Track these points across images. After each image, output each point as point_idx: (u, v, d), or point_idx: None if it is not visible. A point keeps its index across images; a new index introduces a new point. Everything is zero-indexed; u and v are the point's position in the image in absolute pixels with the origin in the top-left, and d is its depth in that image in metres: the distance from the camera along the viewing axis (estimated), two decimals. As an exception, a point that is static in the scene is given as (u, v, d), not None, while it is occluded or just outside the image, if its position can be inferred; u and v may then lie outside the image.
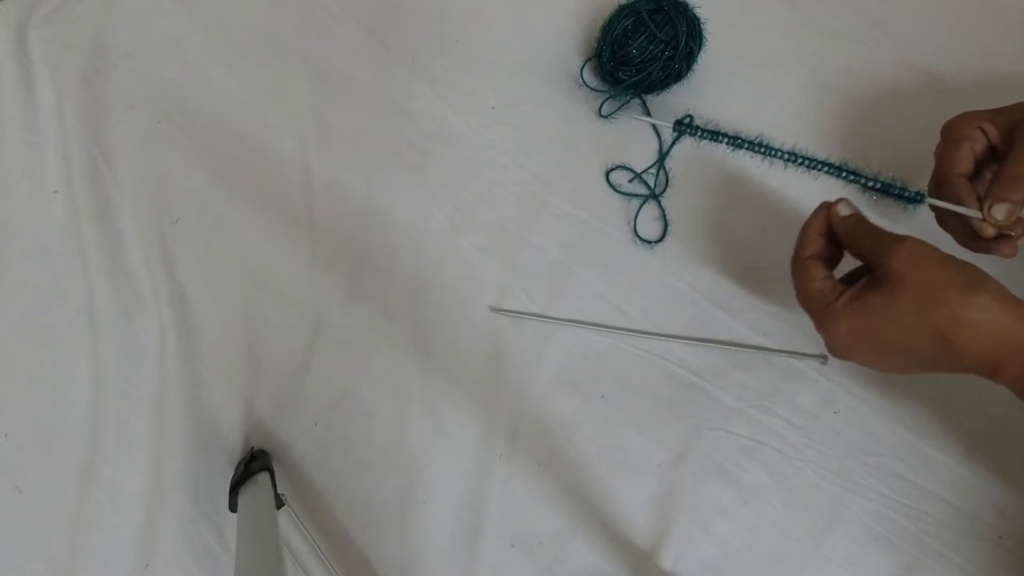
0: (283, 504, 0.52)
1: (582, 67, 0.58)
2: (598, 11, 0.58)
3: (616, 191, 0.56)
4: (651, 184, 0.55)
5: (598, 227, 0.56)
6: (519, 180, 0.57)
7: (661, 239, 0.54)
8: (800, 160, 0.52)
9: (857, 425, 0.50)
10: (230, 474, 0.52)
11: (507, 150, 0.58)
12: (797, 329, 0.52)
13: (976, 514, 0.47)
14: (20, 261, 0.58)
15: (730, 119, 0.55)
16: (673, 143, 0.55)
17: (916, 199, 0.48)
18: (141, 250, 0.58)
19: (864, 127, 0.54)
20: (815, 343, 0.51)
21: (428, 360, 0.55)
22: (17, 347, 0.57)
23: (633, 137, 0.56)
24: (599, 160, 0.57)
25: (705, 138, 0.54)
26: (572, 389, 0.53)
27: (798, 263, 0.43)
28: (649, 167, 0.56)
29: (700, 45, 0.53)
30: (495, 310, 0.55)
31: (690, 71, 0.54)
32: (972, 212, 0.42)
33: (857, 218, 0.42)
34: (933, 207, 0.45)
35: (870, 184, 0.47)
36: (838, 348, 0.41)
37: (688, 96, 0.56)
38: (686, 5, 0.52)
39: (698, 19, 0.53)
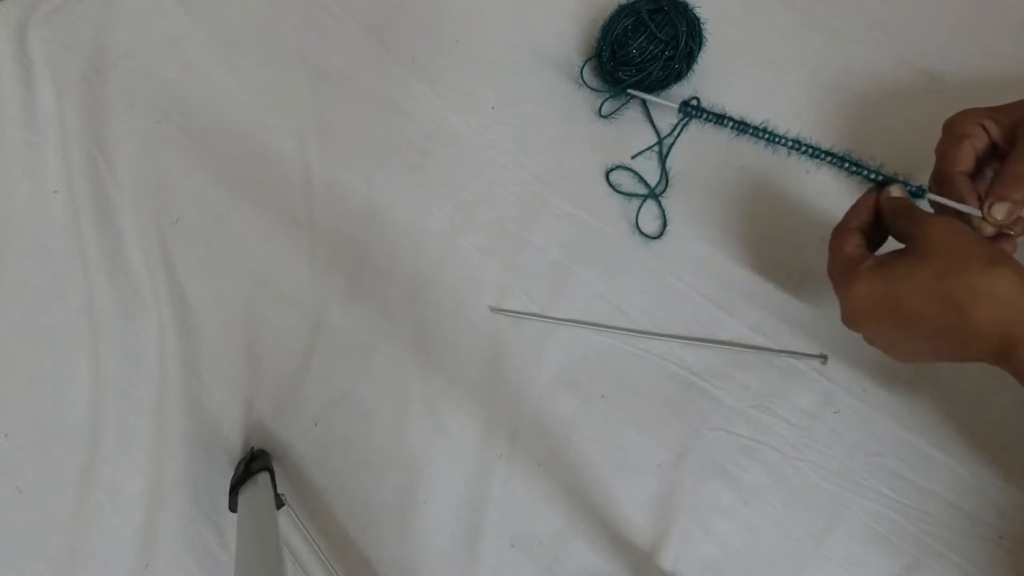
0: (283, 504, 0.52)
1: (582, 67, 0.58)
2: (598, 11, 0.58)
3: (616, 191, 0.56)
4: (658, 173, 0.55)
5: (598, 227, 0.56)
6: (519, 180, 0.57)
7: (659, 237, 0.55)
8: (803, 148, 0.52)
9: (857, 425, 0.50)
10: (230, 474, 0.52)
11: (507, 150, 0.58)
12: (797, 329, 0.52)
13: (976, 514, 0.47)
14: (20, 261, 0.58)
15: (730, 119, 0.55)
16: (678, 125, 0.55)
17: (918, 194, 0.48)
18: (141, 250, 0.58)
19: (864, 127, 0.54)
20: (815, 343, 0.51)
21: (428, 360, 0.55)
22: (17, 347, 0.57)
23: (633, 137, 0.56)
24: (599, 160, 0.57)
25: (711, 121, 0.54)
26: (572, 389, 0.53)
27: (839, 231, 0.44)
28: (651, 147, 0.55)
29: (700, 45, 0.53)
30: (495, 310, 0.55)
31: (690, 71, 0.54)
32: (972, 210, 0.42)
33: (905, 200, 0.44)
34: (933, 203, 0.45)
35: (872, 176, 0.47)
36: (852, 313, 0.41)
37: (688, 96, 0.56)
38: (686, 5, 0.52)
39: (698, 19, 0.53)
